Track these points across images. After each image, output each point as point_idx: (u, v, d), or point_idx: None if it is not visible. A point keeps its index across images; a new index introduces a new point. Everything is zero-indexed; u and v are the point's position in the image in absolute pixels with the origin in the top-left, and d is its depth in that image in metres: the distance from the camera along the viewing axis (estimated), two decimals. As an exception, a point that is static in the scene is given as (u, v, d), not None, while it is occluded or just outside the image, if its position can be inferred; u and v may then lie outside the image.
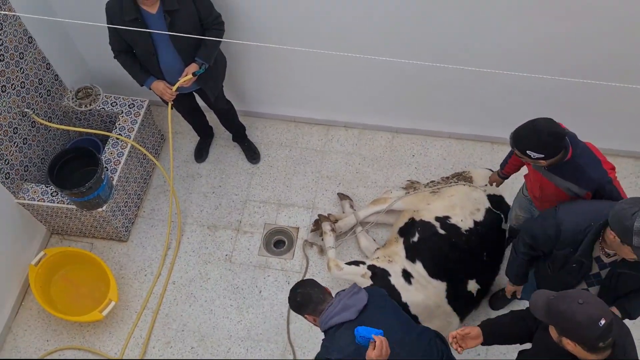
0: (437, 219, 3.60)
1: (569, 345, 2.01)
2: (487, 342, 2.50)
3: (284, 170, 4.38)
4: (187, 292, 3.90)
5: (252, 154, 4.42)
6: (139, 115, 4.02)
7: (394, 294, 3.42)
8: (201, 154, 4.45)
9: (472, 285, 3.53)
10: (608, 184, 2.59)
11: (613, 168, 2.66)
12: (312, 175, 4.35)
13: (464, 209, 3.65)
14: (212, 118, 4.30)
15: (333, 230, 3.85)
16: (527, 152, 2.53)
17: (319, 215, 4.03)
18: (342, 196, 4.17)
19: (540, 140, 2.48)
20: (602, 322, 1.92)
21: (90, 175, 3.48)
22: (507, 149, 4.33)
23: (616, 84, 2.55)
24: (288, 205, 4.22)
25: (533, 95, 3.85)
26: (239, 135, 4.37)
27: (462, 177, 3.85)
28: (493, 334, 2.52)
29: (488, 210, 3.67)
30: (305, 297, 2.52)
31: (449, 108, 4.18)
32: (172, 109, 3.64)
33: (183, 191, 4.31)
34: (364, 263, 3.57)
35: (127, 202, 4.02)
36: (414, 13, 3.43)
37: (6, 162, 3.57)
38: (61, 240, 4.14)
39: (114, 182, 3.77)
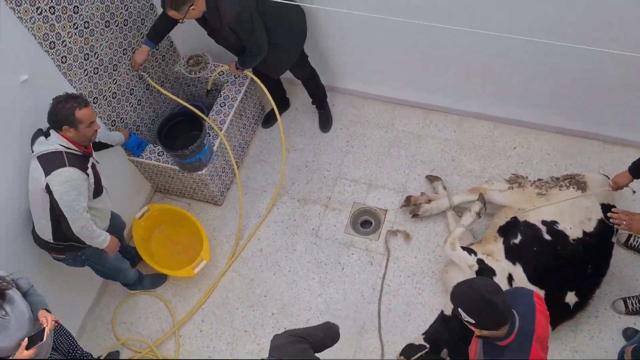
0: (544, 222, 3.40)
1: None
2: None
3: (378, 151, 4.36)
4: (273, 261, 4.03)
5: (325, 123, 4.50)
6: (243, 85, 4.16)
7: None
8: (268, 119, 4.63)
9: (571, 297, 3.32)
10: None
11: None
12: (405, 158, 4.29)
13: (574, 216, 3.38)
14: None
15: (479, 214, 3.65)
16: (459, 309, 2.24)
17: (410, 197, 3.98)
18: (433, 178, 4.08)
19: (471, 300, 2.20)
20: None
21: (194, 139, 3.67)
22: (621, 151, 4.03)
23: None
24: (378, 186, 4.20)
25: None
26: (317, 101, 4.44)
27: (575, 181, 3.57)
28: None
29: (600, 222, 3.39)
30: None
31: (558, 99, 3.93)
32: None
33: (278, 163, 4.42)
34: (476, 254, 3.42)
35: (224, 167, 4.20)
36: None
37: (121, 120, 3.84)
38: (163, 198, 4.42)
39: (215, 148, 3.95)
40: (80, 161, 2.92)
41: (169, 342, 3.83)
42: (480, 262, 3.37)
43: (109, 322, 3.94)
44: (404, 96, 4.46)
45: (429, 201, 3.93)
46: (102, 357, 3.69)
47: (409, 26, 3.55)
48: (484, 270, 3.34)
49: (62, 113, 2.82)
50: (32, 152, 2.90)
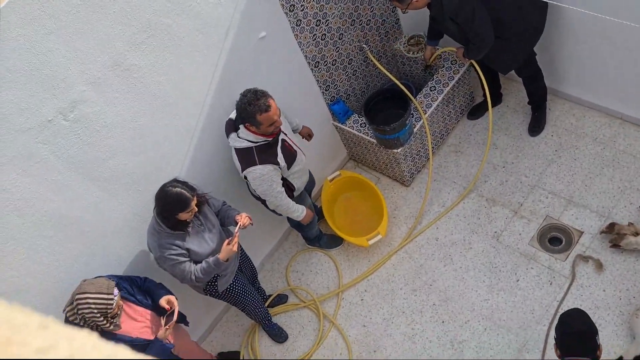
0: None
1: None
2: None
3: (588, 168, 3.97)
4: (446, 253, 3.98)
5: (536, 126, 4.20)
6: (458, 72, 4.09)
7: None
8: (475, 111, 4.45)
9: None
10: None
11: None
12: (619, 182, 3.85)
13: None
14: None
15: None
16: None
17: (614, 224, 3.58)
18: (648, 212, 3.61)
19: None
20: None
21: (397, 117, 3.74)
22: None
23: None
24: (579, 205, 3.85)
25: None
26: (534, 102, 4.16)
27: None
28: None
29: None
30: None
31: None
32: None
33: (474, 157, 4.30)
34: None
35: (420, 151, 4.22)
36: None
37: (335, 87, 4.08)
38: (355, 166, 4.61)
39: (415, 130, 3.98)
40: (269, 150, 3.10)
41: (330, 301, 4.06)
42: None
43: (284, 268, 4.31)
44: (636, 113, 3.96)
45: (637, 234, 3.49)
46: (273, 295, 4.07)
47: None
48: None
49: (245, 113, 2.95)
50: (229, 142, 3.13)
